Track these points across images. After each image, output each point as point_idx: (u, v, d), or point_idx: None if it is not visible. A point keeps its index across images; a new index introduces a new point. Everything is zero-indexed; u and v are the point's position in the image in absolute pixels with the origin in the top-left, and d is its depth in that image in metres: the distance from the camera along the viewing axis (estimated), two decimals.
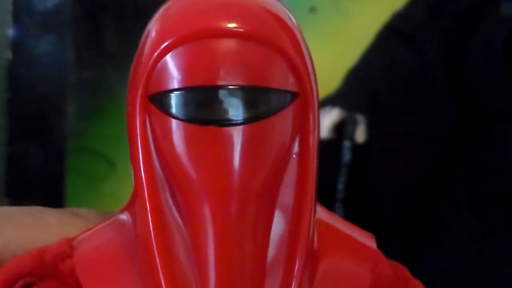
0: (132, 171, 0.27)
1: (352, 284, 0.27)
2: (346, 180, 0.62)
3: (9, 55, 0.69)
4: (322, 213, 0.28)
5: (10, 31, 0.69)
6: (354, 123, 0.63)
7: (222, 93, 0.25)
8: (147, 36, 0.27)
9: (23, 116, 0.70)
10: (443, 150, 0.60)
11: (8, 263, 0.29)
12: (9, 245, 0.30)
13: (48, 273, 0.28)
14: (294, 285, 0.26)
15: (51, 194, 0.69)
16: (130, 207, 0.28)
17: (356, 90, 0.63)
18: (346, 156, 0.63)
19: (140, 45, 0.27)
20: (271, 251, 0.26)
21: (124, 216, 0.28)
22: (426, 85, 0.59)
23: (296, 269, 0.26)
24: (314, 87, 0.26)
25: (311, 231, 0.26)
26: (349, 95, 0.63)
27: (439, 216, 0.59)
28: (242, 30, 0.25)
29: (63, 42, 0.70)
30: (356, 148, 0.62)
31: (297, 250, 0.26)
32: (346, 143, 0.63)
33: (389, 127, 0.59)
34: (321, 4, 0.74)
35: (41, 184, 0.69)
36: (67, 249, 0.28)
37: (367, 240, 0.28)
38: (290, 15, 0.27)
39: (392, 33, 0.61)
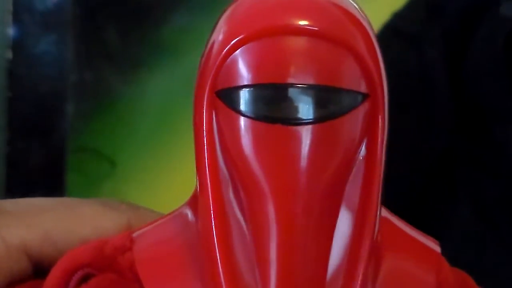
0: (195, 167, 0.27)
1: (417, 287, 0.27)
2: None
3: (9, 55, 0.69)
4: (386, 213, 0.28)
5: (10, 31, 0.69)
6: None
7: (292, 92, 0.25)
8: (217, 32, 0.26)
9: (23, 116, 0.70)
10: (443, 150, 0.60)
11: (68, 253, 0.29)
12: (49, 237, 0.30)
13: (107, 265, 0.28)
14: (357, 284, 0.25)
15: (51, 194, 0.69)
16: (192, 203, 0.27)
17: None
18: None
19: (209, 42, 0.26)
20: (335, 251, 0.26)
21: (188, 212, 0.28)
22: (426, 85, 0.59)
23: (359, 270, 0.25)
24: (384, 89, 0.26)
25: (375, 231, 0.26)
26: None
27: (439, 217, 0.59)
28: (314, 28, 0.25)
29: (63, 42, 0.70)
30: None
31: (361, 251, 0.26)
32: None
33: (389, 127, 0.59)
34: None
35: (41, 183, 0.69)
36: (127, 242, 0.28)
37: (432, 244, 0.28)
38: (364, 13, 0.27)
39: (392, 33, 0.60)
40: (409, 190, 0.59)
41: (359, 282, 0.25)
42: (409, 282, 0.27)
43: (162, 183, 0.73)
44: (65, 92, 0.71)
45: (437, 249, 0.28)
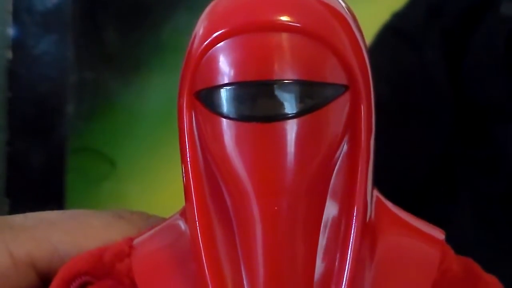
0: (182, 171, 0.27)
1: (417, 272, 0.27)
2: None
3: (9, 55, 0.69)
4: (389, 204, 0.28)
5: (10, 31, 0.69)
6: None
7: (274, 88, 0.25)
8: (198, 27, 0.26)
9: (23, 116, 0.70)
10: (443, 150, 0.60)
11: (68, 262, 0.29)
12: (57, 252, 0.30)
13: (105, 272, 0.28)
14: (348, 271, 0.25)
15: (51, 194, 0.69)
16: (184, 213, 0.28)
17: None
18: None
19: (190, 40, 0.26)
20: (323, 243, 0.26)
21: (180, 222, 0.28)
22: (426, 85, 0.59)
23: (349, 255, 0.25)
24: (366, 80, 0.26)
25: (368, 214, 0.26)
26: None
27: (439, 216, 0.58)
28: (295, 24, 0.25)
29: (63, 42, 0.70)
30: None
31: (349, 242, 0.25)
32: None
33: (389, 127, 0.59)
34: None
35: (41, 184, 0.69)
36: (126, 249, 0.28)
37: (436, 232, 0.28)
38: (346, 5, 0.27)
39: (392, 33, 0.60)
40: (409, 189, 0.59)
41: (348, 271, 0.25)
42: (408, 263, 0.27)
43: (162, 183, 0.73)
44: (65, 92, 0.71)
45: (441, 237, 0.28)
